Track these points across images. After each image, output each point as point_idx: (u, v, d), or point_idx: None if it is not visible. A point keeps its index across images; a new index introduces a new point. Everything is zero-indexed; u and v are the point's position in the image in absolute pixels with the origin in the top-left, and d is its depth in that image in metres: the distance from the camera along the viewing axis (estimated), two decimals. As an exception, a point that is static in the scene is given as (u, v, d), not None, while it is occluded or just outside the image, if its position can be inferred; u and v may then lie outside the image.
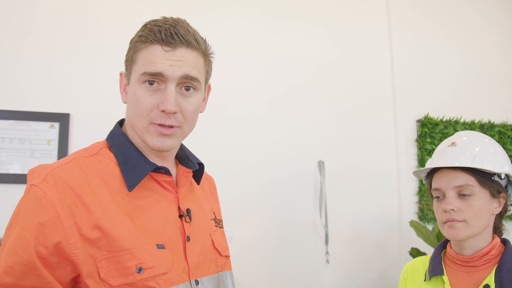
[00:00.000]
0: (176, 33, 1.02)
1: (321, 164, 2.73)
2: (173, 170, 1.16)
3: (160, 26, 1.02)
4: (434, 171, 1.44)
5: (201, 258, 1.12)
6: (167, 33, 1.01)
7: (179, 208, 1.11)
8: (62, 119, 2.34)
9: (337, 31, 2.91)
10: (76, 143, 2.35)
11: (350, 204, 2.79)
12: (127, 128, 1.10)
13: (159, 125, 1.02)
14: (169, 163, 1.14)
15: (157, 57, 1.01)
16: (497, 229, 1.42)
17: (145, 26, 1.06)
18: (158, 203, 1.07)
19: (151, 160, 1.07)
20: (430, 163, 1.45)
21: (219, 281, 1.17)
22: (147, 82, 1.01)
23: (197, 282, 1.08)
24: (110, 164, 1.04)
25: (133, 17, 2.44)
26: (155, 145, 1.04)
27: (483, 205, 1.33)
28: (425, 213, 2.88)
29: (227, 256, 1.25)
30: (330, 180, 2.74)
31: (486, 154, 1.36)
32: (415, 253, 2.55)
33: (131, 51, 1.06)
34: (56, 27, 2.40)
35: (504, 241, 1.40)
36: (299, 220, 2.66)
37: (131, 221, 1.00)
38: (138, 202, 1.03)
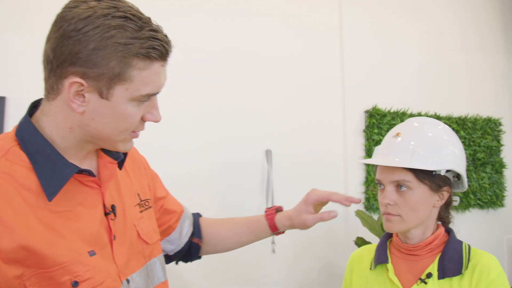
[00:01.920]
0: (170, 46, 0.95)
1: (268, 153, 2.70)
2: (93, 162, 1.05)
3: (160, 40, 0.92)
4: None
5: (129, 255, 1.05)
6: (167, 49, 0.94)
7: (104, 205, 1.02)
8: (-7, 101, 2.19)
9: (287, 21, 2.87)
10: (11, 128, 2.19)
11: (297, 193, 2.73)
12: (44, 122, 0.98)
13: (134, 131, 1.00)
14: (90, 155, 1.04)
15: (159, 76, 0.95)
16: (443, 219, 1.42)
17: (136, 32, 0.89)
18: (82, 205, 0.97)
19: (71, 160, 0.96)
20: (373, 154, 1.44)
21: (147, 271, 1.10)
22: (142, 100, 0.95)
23: (128, 281, 1.02)
24: (23, 169, 0.91)
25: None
26: (127, 149, 1.03)
27: (419, 201, 1.32)
28: (371, 202, 2.90)
29: (155, 242, 1.18)
30: (277, 169, 2.72)
31: (427, 149, 1.32)
32: (360, 242, 2.57)
33: (115, 63, 0.88)
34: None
35: (448, 231, 1.41)
36: (245, 208, 2.62)
37: (57, 232, 0.90)
38: (60, 209, 0.93)
